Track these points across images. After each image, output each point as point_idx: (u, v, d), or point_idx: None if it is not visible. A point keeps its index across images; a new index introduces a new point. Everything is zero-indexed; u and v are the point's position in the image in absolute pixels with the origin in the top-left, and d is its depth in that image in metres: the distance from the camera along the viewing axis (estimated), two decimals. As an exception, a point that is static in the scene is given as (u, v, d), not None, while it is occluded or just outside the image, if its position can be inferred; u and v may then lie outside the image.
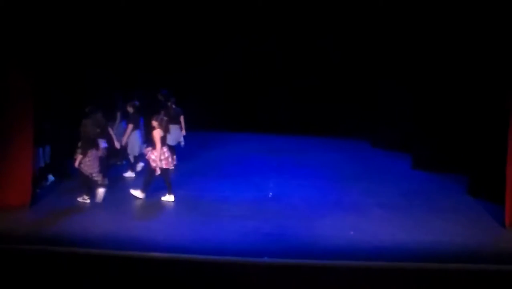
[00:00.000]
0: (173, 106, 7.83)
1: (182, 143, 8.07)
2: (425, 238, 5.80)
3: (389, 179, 7.83)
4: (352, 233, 5.86)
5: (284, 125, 10.06)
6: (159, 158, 6.61)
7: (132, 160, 7.62)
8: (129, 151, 7.58)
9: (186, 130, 8.02)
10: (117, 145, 7.35)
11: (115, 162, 7.82)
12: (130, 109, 7.54)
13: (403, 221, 6.24)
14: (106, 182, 6.70)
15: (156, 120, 6.66)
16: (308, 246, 5.53)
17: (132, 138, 7.54)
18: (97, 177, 6.57)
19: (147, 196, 6.72)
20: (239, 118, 10.19)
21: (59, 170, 7.28)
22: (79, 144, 6.57)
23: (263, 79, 10.09)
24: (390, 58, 8.93)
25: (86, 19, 7.56)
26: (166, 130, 6.70)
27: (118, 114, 8.00)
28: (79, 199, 6.62)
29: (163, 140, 6.66)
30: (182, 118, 7.95)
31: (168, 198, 6.73)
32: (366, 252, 5.40)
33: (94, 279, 4.92)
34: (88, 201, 6.60)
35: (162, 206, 6.56)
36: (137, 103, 7.60)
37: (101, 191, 6.60)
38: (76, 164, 6.51)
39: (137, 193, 6.75)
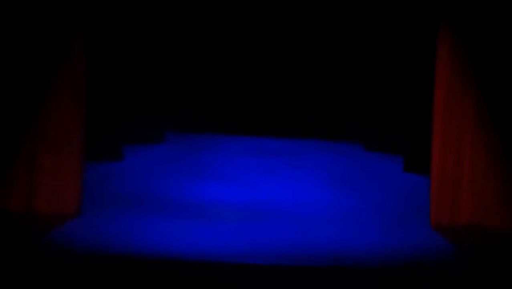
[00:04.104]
0: None
1: None
2: (417, 239, 5.82)
3: (381, 181, 7.84)
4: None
5: (276, 127, 10.06)
6: None
7: None
8: None
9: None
10: None
11: None
12: None
13: (394, 223, 6.26)
14: None
15: None
16: (302, 248, 5.53)
17: None
18: None
19: (143, 200, 6.73)
20: (230, 120, 10.19)
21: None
22: None
23: (255, 81, 10.09)
24: (383, 59, 8.99)
25: None
26: None
27: None
28: None
29: None
30: None
31: None
32: (361, 254, 5.40)
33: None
34: None
35: (155, 208, 6.55)
36: None
37: None
38: None
39: None
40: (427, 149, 8.14)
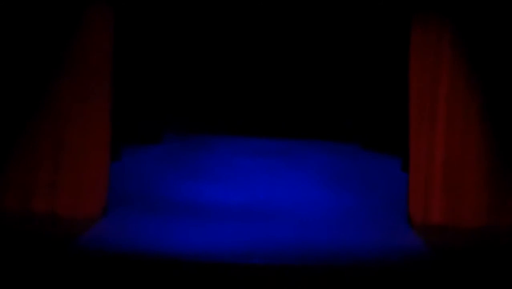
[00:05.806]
0: None
1: None
2: (413, 239, 5.83)
3: (380, 181, 7.84)
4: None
5: (274, 127, 10.06)
6: None
7: None
8: None
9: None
10: None
11: None
12: None
13: (393, 224, 6.28)
14: None
15: None
16: (300, 248, 5.53)
17: None
18: None
19: (140, 200, 6.71)
20: (228, 120, 10.19)
21: None
22: None
23: (253, 81, 10.09)
24: (381, 59, 8.99)
25: None
26: None
27: None
28: None
29: None
30: None
31: None
32: (358, 254, 5.41)
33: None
34: None
35: (153, 209, 6.54)
36: None
37: None
38: None
39: None
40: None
